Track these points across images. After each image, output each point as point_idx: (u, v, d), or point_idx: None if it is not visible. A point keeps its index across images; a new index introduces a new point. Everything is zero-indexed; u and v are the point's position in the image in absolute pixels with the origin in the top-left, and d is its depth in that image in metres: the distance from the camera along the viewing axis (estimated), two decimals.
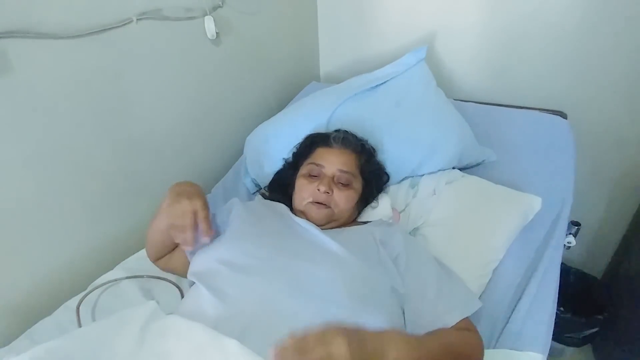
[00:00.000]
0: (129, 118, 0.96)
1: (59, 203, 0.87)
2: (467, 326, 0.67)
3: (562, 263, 0.90)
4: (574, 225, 1.04)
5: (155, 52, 0.98)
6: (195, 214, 0.69)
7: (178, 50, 1.04)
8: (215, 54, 1.16)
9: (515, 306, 0.81)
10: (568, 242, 0.98)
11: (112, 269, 0.91)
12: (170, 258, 0.86)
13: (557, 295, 0.85)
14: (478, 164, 1.09)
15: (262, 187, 1.10)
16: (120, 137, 0.96)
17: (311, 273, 0.68)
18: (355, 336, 0.49)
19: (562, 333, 1.31)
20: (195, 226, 0.70)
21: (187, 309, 0.68)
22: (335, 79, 1.29)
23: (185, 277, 0.79)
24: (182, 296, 0.84)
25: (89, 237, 0.95)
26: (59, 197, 0.86)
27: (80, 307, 0.80)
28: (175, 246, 0.84)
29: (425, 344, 0.59)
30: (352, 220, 0.91)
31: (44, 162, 0.82)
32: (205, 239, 0.72)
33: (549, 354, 0.75)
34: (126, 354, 0.57)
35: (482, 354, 0.64)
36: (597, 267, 1.50)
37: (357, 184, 0.88)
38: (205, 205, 0.72)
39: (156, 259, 0.86)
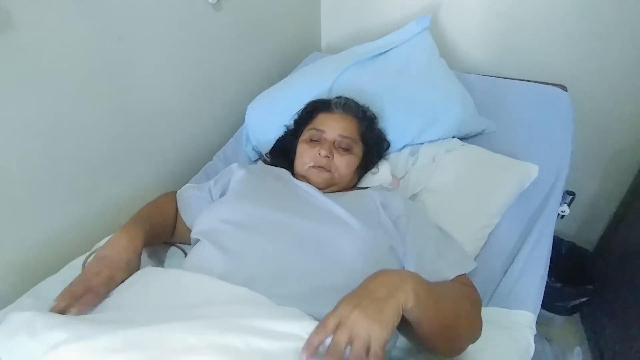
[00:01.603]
0: (129, 83, 0.96)
1: (63, 164, 0.87)
2: (465, 281, 0.69)
3: (554, 236, 0.92)
4: (569, 195, 1.06)
5: (156, 16, 0.97)
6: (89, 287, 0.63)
7: (179, 15, 1.03)
8: (216, 20, 1.14)
9: (508, 268, 0.84)
10: (562, 211, 1.00)
11: (114, 232, 0.93)
12: (173, 234, 0.88)
13: (548, 259, 0.88)
14: (478, 134, 1.10)
15: (264, 154, 1.11)
16: (121, 102, 0.96)
17: (312, 231, 0.69)
18: (365, 294, 0.50)
19: (552, 302, 1.36)
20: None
21: (192, 265, 0.70)
22: (336, 50, 1.27)
23: (189, 243, 0.81)
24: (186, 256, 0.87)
25: (93, 199, 0.96)
26: (63, 158, 0.87)
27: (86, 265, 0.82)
28: (174, 221, 0.86)
29: (435, 283, 0.60)
30: (353, 185, 0.93)
31: (47, 122, 0.82)
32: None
33: (538, 322, 0.78)
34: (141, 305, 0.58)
35: (480, 307, 0.66)
36: (589, 240, 1.54)
37: (358, 150, 0.90)
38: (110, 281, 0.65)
39: (172, 235, 0.88)
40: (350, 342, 0.46)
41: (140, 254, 0.72)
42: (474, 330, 0.63)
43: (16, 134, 0.78)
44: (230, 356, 0.45)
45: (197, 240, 0.74)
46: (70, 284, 0.63)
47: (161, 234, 0.84)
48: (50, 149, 0.84)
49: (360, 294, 0.50)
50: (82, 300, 0.59)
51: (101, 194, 0.97)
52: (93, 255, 0.67)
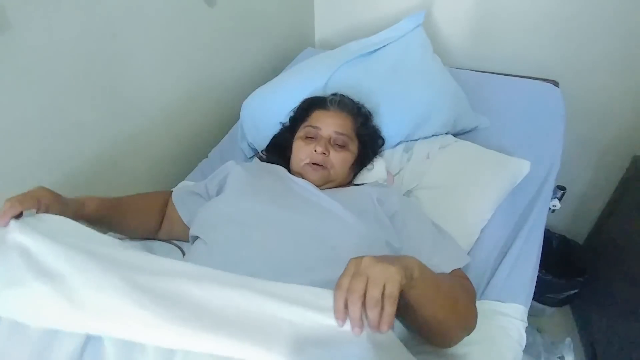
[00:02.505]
0: (123, 80, 0.96)
1: (57, 163, 0.87)
2: (460, 274, 0.71)
3: (546, 229, 0.95)
4: (560, 189, 1.08)
5: (150, 13, 0.97)
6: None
7: (172, 11, 1.02)
8: (210, 16, 1.14)
9: (500, 262, 0.86)
10: (553, 205, 1.02)
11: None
12: (170, 230, 0.88)
13: (540, 254, 0.90)
14: (471, 130, 1.11)
15: (259, 151, 1.11)
16: (116, 99, 0.95)
17: (310, 227, 0.70)
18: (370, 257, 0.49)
19: (543, 293, 1.38)
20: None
21: (192, 262, 0.70)
22: (330, 45, 1.28)
23: (187, 240, 0.81)
24: (184, 255, 0.87)
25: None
26: (57, 157, 0.87)
27: None
28: (164, 207, 0.87)
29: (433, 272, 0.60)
30: (348, 182, 0.94)
31: (41, 121, 0.82)
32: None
33: (529, 313, 0.80)
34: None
35: (474, 298, 0.68)
36: (579, 234, 1.56)
37: (353, 146, 0.90)
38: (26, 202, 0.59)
39: (155, 232, 0.88)
40: (366, 287, 0.46)
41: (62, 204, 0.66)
42: (469, 319, 0.64)
43: (9, 133, 0.77)
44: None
45: (196, 238, 0.75)
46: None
47: (120, 219, 0.81)
48: (43, 148, 0.84)
49: (365, 258, 0.50)
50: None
51: (96, 192, 0.97)
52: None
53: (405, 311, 0.54)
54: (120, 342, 0.44)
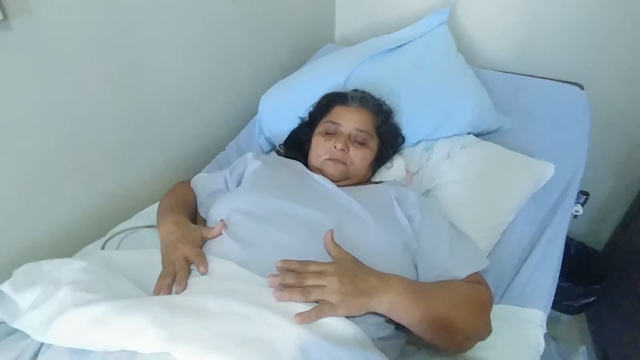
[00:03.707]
0: (142, 70, 0.96)
1: (77, 152, 0.88)
2: (477, 279, 0.69)
3: None
4: (583, 194, 1.06)
5: (171, 4, 0.97)
6: (185, 257, 0.65)
7: (194, 3, 1.02)
8: (231, 10, 1.14)
9: (521, 267, 0.84)
10: (576, 211, 1.00)
11: (129, 218, 0.94)
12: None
13: (561, 260, 0.88)
14: (494, 131, 1.09)
15: (277, 145, 1.11)
16: (136, 90, 0.96)
17: (327, 224, 0.69)
18: (352, 273, 0.58)
19: (558, 300, 1.36)
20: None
21: (209, 253, 0.70)
22: (351, 42, 1.26)
23: None
24: None
25: (107, 186, 0.97)
26: (77, 145, 0.87)
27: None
28: (196, 210, 0.88)
29: (431, 290, 0.63)
30: (367, 179, 0.93)
31: (61, 110, 0.82)
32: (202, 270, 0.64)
33: None
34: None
35: (491, 305, 0.67)
36: (598, 241, 1.53)
37: (373, 144, 0.89)
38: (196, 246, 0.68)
39: None
40: (312, 288, 0.55)
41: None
42: (475, 332, 0.65)
43: (31, 122, 0.78)
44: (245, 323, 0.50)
45: None
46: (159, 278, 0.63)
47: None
48: (64, 137, 0.84)
49: (350, 273, 0.58)
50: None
51: (115, 181, 0.98)
52: (163, 253, 0.68)
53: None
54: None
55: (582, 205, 1.02)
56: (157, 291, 0.59)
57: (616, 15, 1.15)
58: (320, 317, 0.53)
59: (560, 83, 1.17)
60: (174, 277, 0.60)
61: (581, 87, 1.19)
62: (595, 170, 1.34)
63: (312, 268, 0.58)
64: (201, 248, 0.69)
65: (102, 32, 0.85)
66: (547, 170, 0.92)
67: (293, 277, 0.56)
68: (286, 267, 0.58)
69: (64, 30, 0.78)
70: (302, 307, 0.53)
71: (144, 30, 0.93)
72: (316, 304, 0.54)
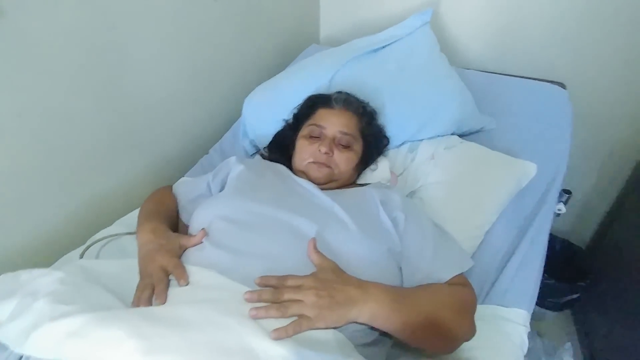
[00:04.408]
0: (122, 73, 0.94)
1: (55, 156, 0.86)
2: (461, 281, 0.69)
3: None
4: (566, 193, 1.07)
5: (151, 4, 0.95)
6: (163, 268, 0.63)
7: (176, 3, 1.01)
8: (213, 9, 1.12)
9: (505, 266, 0.85)
10: (558, 209, 1.01)
11: (111, 224, 0.92)
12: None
13: (544, 259, 0.89)
14: (477, 131, 1.10)
15: (261, 148, 1.10)
16: (117, 93, 0.94)
17: (310, 230, 0.68)
18: (331, 285, 0.57)
19: (543, 297, 1.37)
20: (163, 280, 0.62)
21: (190, 262, 0.69)
22: (335, 42, 1.26)
23: None
24: None
25: (86, 192, 0.95)
26: (54, 150, 0.85)
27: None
28: (177, 216, 0.86)
29: (414, 296, 0.63)
30: (352, 182, 0.92)
31: (38, 114, 0.80)
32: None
33: (530, 317, 0.79)
34: None
35: (474, 307, 0.67)
36: (582, 238, 1.55)
37: (358, 146, 0.89)
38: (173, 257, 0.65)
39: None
40: (289, 304, 0.54)
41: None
42: (459, 335, 0.65)
43: (5, 126, 0.76)
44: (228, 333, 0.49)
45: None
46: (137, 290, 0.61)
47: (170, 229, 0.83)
48: (40, 141, 0.82)
49: (329, 285, 0.57)
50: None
51: (95, 186, 0.96)
52: (140, 263, 0.66)
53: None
54: None
55: (565, 203, 1.03)
56: (136, 304, 0.57)
57: (599, 15, 1.17)
58: (298, 332, 0.52)
59: (543, 82, 1.18)
60: (153, 289, 0.59)
61: (563, 86, 1.20)
62: (578, 169, 1.36)
63: (290, 282, 0.57)
64: (180, 257, 0.67)
65: (79, 34, 0.83)
66: (529, 169, 0.93)
67: (270, 293, 0.56)
68: (265, 283, 0.58)
69: (38, 34, 0.76)
70: (282, 320, 0.53)
71: (124, 31, 0.91)
72: (295, 318, 0.54)
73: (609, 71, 1.24)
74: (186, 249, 0.69)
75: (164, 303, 0.57)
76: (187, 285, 0.60)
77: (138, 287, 0.60)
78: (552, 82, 1.20)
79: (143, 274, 0.63)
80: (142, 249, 0.68)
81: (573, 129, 1.09)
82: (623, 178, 1.38)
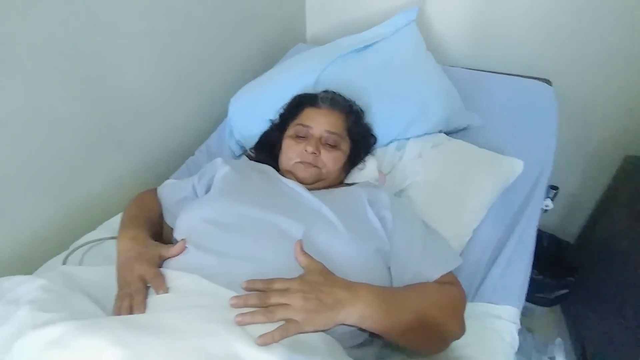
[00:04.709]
0: (105, 74, 0.92)
1: (36, 159, 0.83)
2: (450, 280, 0.69)
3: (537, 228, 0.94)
4: (553, 189, 1.08)
5: (135, 3, 0.93)
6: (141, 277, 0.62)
7: (159, 3, 0.99)
8: (198, 9, 1.11)
9: (493, 264, 0.84)
10: (546, 205, 1.01)
11: (94, 229, 0.90)
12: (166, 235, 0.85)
13: (532, 255, 0.89)
14: (464, 128, 1.10)
15: (248, 149, 1.08)
16: (99, 93, 0.92)
17: (296, 231, 0.67)
18: (318, 287, 0.56)
19: (533, 293, 1.38)
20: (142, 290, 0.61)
21: (174, 266, 0.67)
22: (322, 41, 1.25)
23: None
24: None
25: (69, 195, 0.92)
26: (36, 152, 0.83)
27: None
28: (161, 221, 0.84)
29: (403, 297, 0.62)
30: (340, 181, 0.92)
31: (16, 116, 0.78)
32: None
33: (520, 313, 0.79)
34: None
35: (464, 305, 0.67)
36: (570, 233, 1.57)
37: (345, 146, 0.88)
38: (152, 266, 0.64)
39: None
40: (275, 308, 0.53)
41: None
42: (449, 334, 0.65)
43: None
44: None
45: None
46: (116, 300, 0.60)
47: (153, 235, 0.81)
48: (19, 144, 0.80)
49: (316, 288, 0.56)
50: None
51: (77, 190, 0.94)
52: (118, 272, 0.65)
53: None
54: None
55: (552, 199, 1.04)
56: (117, 314, 0.56)
57: (584, 12, 1.18)
58: (285, 337, 0.51)
59: (528, 79, 1.19)
60: (132, 298, 0.58)
61: (549, 82, 1.21)
62: (565, 165, 1.37)
63: (276, 286, 0.56)
64: (162, 265, 0.66)
65: (60, 36, 0.80)
66: (516, 166, 0.94)
67: (256, 298, 0.54)
68: (251, 287, 0.57)
69: (18, 36, 0.74)
70: (270, 325, 0.52)
71: (105, 30, 0.89)
72: (283, 322, 0.53)
73: (595, 67, 1.25)
74: (165, 259, 0.67)
75: (143, 313, 0.56)
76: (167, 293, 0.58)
77: (117, 296, 0.59)
78: (538, 78, 1.20)
79: (121, 282, 0.62)
80: (121, 257, 0.66)
81: (559, 125, 1.10)
82: (610, 173, 1.39)
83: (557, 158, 1.06)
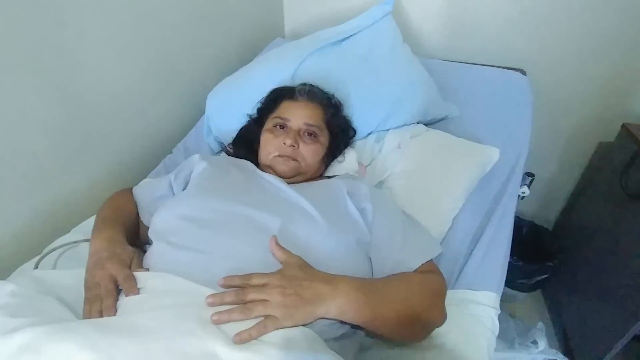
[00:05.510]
0: (75, 72, 0.89)
1: (4, 161, 0.80)
2: (430, 268, 0.70)
3: (515, 216, 0.95)
4: (528, 176, 1.10)
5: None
6: (112, 278, 0.60)
7: None
8: (172, 2, 1.08)
9: (472, 251, 0.86)
10: (522, 192, 1.03)
11: (68, 232, 0.87)
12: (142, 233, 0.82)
13: (510, 240, 0.90)
14: (442, 119, 1.11)
15: (226, 145, 1.07)
16: (69, 92, 0.89)
17: (276, 225, 0.66)
18: (297, 282, 0.55)
19: (514, 279, 1.41)
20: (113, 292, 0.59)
21: (148, 265, 0.65)
22: (301, 36, 1.24)
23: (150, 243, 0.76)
24: None
25: (40, 198, 0.89)
26: (4, 157, 0.80)
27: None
28: (137, 221, 0.82)
29: (384, 288, 0.62)
30: (319, 174, 0.91)
31: None
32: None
33: (502, 299, 0.81)
34: None
35: (444, 293, 0.67)
36: (548, 220, 1.61)
37: (324, 138, 0.88)
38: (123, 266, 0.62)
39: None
40: (253, 305, 0.52)
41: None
42: (431, 322, 0.65)
43: None
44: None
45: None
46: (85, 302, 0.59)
47: (128, 237, 0.78)
48: None
49: (295, 282, 0.55)
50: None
51: (49, 192, 0.91)
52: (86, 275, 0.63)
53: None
54: None
55: (529, 186, 1.06)
56: (87, 318, 0.55)
57: (558, 4, 1.20)
58: (263, 334, 0.50)
59: (503, 70, 1.21)
60: (102, 302, 0.56)
61: (523, 72, 1.23)
62: (540, 152, 1.40)
63: (254, 281, 0.55)
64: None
65: (25, 34, 0.77)
66: (492, 154, 0.95)
67: (233, 295, 0.53)
68: (228, 284, 0.55)
69: None
70: (249, 322, 0.51)
71: (74, 29, 0.86)
72: (260, 319, 0.52)
73: (569, 56, 1.28)
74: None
75: (114, 315, 0.54)
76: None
77: (86, 299, 0.57)
78: (512, 68, 1.23)
79: (90, 283, 0.60)
80: (93, 257, 0.64)
81: (534, 113, 1.12)
82: (585, 159, 1.43)
83: (532, 146, 1.08)
